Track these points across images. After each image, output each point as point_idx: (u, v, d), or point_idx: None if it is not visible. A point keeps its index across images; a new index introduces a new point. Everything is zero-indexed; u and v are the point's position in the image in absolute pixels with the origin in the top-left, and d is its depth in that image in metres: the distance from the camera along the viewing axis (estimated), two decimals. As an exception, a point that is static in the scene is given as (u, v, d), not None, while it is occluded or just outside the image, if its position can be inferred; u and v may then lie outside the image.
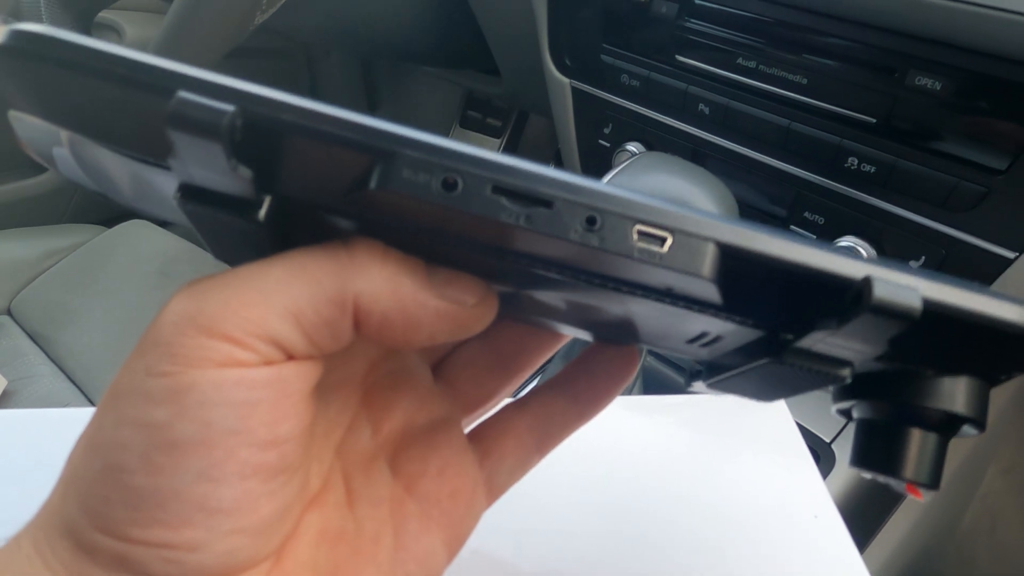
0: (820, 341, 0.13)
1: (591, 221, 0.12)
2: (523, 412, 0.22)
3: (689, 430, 0.36)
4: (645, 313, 0.16)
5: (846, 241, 0.47)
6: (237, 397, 0.14)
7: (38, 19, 0.57)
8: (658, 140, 0.56)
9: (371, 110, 1.37)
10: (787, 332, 0.14)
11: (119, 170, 0.15)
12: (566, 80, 0.60)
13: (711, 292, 0.13)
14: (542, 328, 0.22)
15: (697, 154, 0.53)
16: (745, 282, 0.13)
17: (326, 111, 0.12)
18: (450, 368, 0.23)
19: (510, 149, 1.19)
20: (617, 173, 0.42)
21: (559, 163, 0.68)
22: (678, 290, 0.14)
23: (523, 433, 0.22)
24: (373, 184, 0.12)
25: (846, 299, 0.12)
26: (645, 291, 0.14)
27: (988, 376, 0.15)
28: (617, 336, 0.21)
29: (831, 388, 0.17)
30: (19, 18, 0.53)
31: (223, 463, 0.14)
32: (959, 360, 0.15)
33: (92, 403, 0.68)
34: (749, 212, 0.53)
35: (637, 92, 0.55)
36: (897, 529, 0.54)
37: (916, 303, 0.12)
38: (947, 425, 0.16)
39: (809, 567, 0.30)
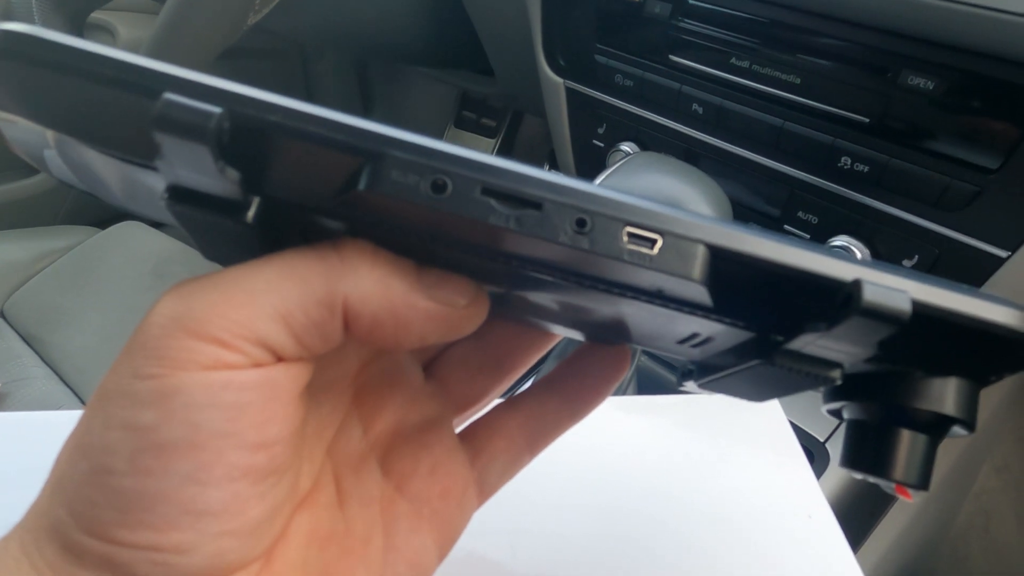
0: (810, 343, 0.13)
1: (581, 223, 0.12)
2: (514, 411, 0.22)
3: (683, 430, 0.36)
4: (636, 314, 0.16)
5: (839, 240, 0.47)
6: (225, 399, 0.14)
7: (29, 20, 0.57)
8: (652, 140, 0.56)
9: (366, 110, 1.37)
10: (777, 334, 0.14)
11: (108, 171, 0.15)
12: (560, 80, 0.60)
13: (701, 294, 0.13)
14: (534, 328, 0.22)
15: (691, 154, 0.53)
16: (735, 284, 0.13)
17: (314, 112, 0.12)
18: (441, 367, 0.23)
19: (505, 149, 1.18)
20: (611, 173, 0.42)
21: (553, 163, 0.67)
22: (669, 292, 0.14)
23: (514, 433, 0.22)
24: (362, 186, 0.12)
25: (836, 301, 0.12)
26: (636, 293, 0.14)
27: (978, 377, 0.15)
28: (608, 336, 0.21)
29: (822, 389, 0.17)
30: (10, 19, 0.52)
31: (211, 465, 0.14)
32: (949, 361, 0.15)
33: (86, 405, 0.68)
34: (743, 212, 0.53)
35: (631, 92, 0.55)
36: (891, 528, 0.54)
37: (906, 306, 0.12)
38: (937, 426, 0.16)
39: (803, 567, 0.30)
